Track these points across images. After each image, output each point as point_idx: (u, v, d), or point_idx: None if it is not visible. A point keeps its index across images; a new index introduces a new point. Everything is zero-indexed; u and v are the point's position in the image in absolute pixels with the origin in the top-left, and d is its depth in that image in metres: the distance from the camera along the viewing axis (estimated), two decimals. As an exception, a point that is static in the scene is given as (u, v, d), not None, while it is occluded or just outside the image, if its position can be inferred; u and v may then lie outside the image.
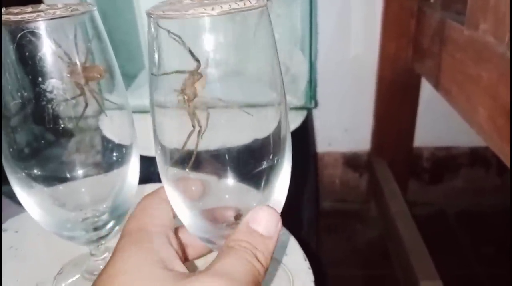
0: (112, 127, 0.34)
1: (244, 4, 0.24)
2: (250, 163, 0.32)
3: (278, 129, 0.32)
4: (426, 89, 0.92)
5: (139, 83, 0.83)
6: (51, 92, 0.28)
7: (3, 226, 0.45)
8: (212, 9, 0.24)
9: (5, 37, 0.27)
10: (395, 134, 0.95)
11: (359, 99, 0.95)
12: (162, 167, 0.31)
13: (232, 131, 0.32)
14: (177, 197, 0.31)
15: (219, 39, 0.27)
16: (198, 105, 0.28)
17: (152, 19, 0.27)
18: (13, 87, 0.28)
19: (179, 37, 0.27)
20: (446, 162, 1.01)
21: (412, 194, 1.01)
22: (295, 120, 0.74)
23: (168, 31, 0.26)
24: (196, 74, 0.28)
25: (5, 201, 0.69)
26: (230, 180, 0.32)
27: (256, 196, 0.33)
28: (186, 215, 0.31)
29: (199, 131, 0.29)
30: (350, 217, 1.02)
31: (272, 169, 0.32)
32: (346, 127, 0.98)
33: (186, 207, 0.31)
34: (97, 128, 0.35)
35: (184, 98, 0.28)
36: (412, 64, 0.86)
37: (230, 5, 0.24)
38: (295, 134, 0.73)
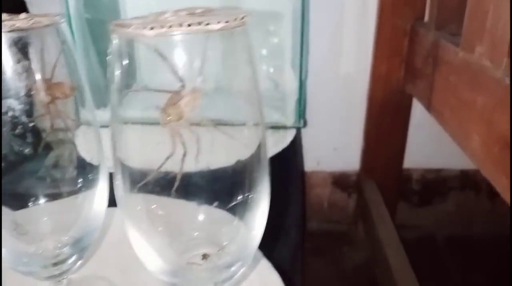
0: (79, 146, 0.31)
1: (224, 22, 0.22)
2: (223, 197, 0.29)
3: (256, 155, 0.30)
4: (417, 110, 0.90)
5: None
6: (5, 113, 0.25)
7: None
8: (188, 25, 0.22)
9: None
10: (385, 155, 0.93)
11: (349, 119, 0.92)
12: (122, 194, 0.28)
13: (208, 155, 0.29)
14: (139, 235, 0.28)
15: (193, 58, 0.25)
16: (186, 126, 0.26)
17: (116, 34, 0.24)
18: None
19: (163, 55, 0.24)
20: (436, 184, 0.99)
21: (401, 216, 0.99)
22: (284, 140, 0.71)
23: (155, 50, 0.23)
24: (179, 94, 0.26)
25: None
26: (201, 214, 0.30)
27: (230, 231, 0.30)
28: (153, 259, 0.28)
29: (184, 154, 0.26)
30: (337, 238, 0.99)
31: (248, 202, 0.29)
32: (335, 146, 0.96)
33: (152, 250, 0.28)
34: (64, 146, 0.32)
35: (165, 118, 0.25)
36: (403, 84, 0.84)
37: (206, 24, 0.21)
38: (283, 153, 0.70)
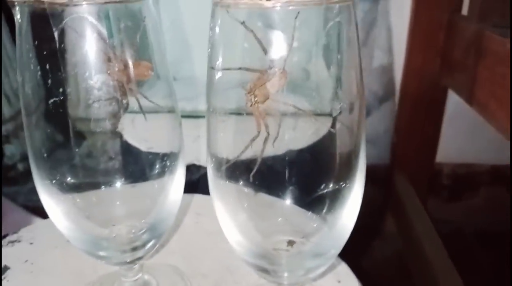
0: (155, 132, 0.30)
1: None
2: (310, 183, 0.29)
3: (347, 145, 0.29)
4: (451, 104, 0.88)
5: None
6: (99, 89, 0.24)
7: (16, 236, 0.40)
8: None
9: (48, 22, 0.23)
10: (416, 149, 0.92)
11: (381, 111, 0.91)
12: (213, 180, 0.27)
13: (291, 142, 0.28)
14: (228, 217, 0.27)
15: (290, 35, 0.24)
16: (269, 110, 0.25)
17: (219, 7, 0.23)
18: (52, 83, 0.24)
19: (253, 32, 0.23)
20: (466, 179, 0.98)
21: (429, 211, 0.97)
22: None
23: (243, 23, 0.23)
24: (267, 73, 0.25)
25: (7, 204, 0.63)
26: (287, 200, 0.29)
27: (315, 221, 0.29)
28: (238, 239, 0.27)
29: (266, 138, 0.26)
30: (366, 231, 0.98)
31: (337, 193, 0.28)
32: (365, 139, 0.94)
33: (237, 229, 0.27)
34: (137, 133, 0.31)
35: (252, 99, 0.25)
36: (439, 77, 0.83)
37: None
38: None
